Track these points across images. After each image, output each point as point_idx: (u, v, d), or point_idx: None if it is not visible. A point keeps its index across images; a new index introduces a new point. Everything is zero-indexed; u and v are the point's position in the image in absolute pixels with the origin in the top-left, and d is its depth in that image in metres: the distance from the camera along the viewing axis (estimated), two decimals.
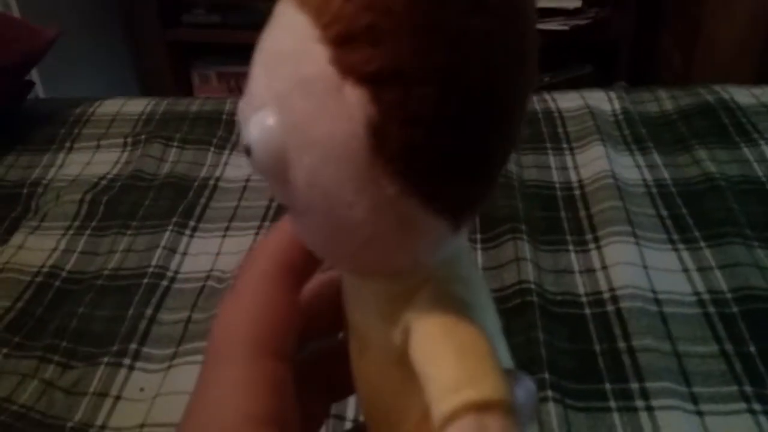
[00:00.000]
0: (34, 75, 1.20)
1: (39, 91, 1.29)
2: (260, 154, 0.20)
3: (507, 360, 0.24)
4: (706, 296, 0.62)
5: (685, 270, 0.66)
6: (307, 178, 0.20)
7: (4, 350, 0.60)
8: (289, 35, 0.20)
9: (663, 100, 0.94)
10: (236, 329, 0.25)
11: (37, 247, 0.72)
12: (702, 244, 0.68)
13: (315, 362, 0.28)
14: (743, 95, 0.91)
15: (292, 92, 0.20)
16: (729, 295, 0.62)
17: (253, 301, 0.25)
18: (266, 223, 0.75)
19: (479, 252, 0.69)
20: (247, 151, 0.21)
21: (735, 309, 0.60)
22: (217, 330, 0.25)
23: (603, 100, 0.94)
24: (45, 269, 0.70)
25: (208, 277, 0.68)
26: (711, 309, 0.61)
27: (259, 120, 0.20)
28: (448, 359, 0.20)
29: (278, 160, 0.20)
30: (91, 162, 0.87)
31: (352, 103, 0.18)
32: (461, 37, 0.19)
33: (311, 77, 0.19)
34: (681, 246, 0.68)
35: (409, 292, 0.23)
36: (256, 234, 0.73)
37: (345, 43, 0.18)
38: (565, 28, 1.50)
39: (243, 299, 0.26)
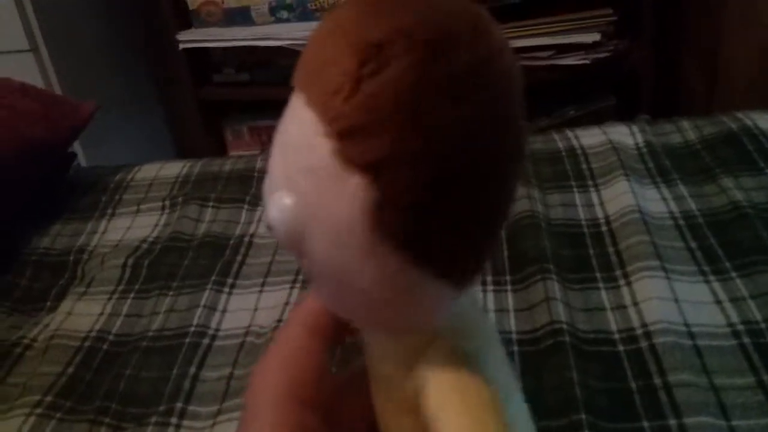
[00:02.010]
0: (76, 144, 1.25)
1: (81, 159, 1.35)
2: (280, 231, 0.23)
3: (520, 402, 0.26)
4: (740, 327, 0.62)
5: (718, 301, 0.65)
6: (320, 251, 0.23)
7: (58, 415, 0.63)
8: (298, 128, 0.23)
9: (686, 131, 0.94)
10: (272, 382, 0.28)
11: (84, 313, 0.76)
12: (733, 274, 0.68)
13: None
14: (766, 121, 0.91)
15: (301, 177, 0.22)
16: (763, 325, 0.62)
17: (287, 357, 0.28)
18: (300, 277, 0.77)
19: (509, 294, 0.70)
20: (269, 228, 0.24)
21: None
22: (255, 382, 0.28)
23: (625, 134, 0.95)
24: (93, 334, 0.73)
25: (247, 333, 0.71)
26: (746, 339, 0.61)
27: (277, 200, 0.23)
28: (456, 410, 0.23)
29: (295, 235, 0.23)
30: (132, 226, 0.91)
31: (354, 189, 0.21)
32: (446, 127, 0.21)
33: (317, 165, 0.22)
34: (712, 277, 0.68)
35: (422, 346, 0.25)
36: (291, 288, 0.76)
37: (346, 137, 0.21)
38: (586, 62, 1.51)
39: (278, 356, 0.29)
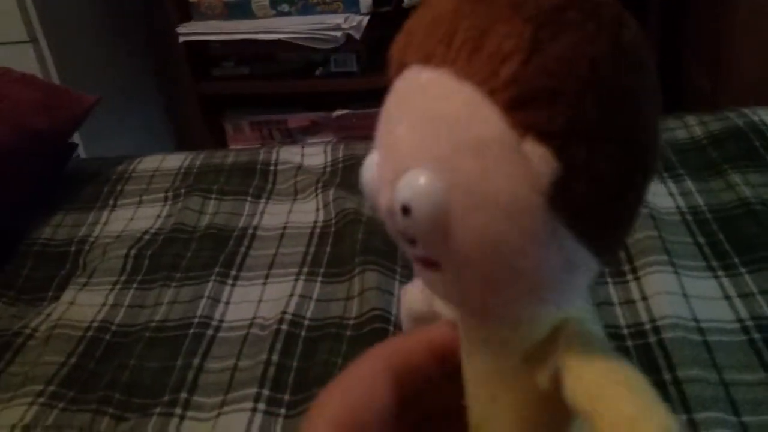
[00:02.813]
0: (76, 136, 1.24)
1: (81, 150, 1.34)
2: (422, 213, 0.21)
3: None
4: (749, 323, 0.62)
5: (727, 297, 0.65)
6: (477, 235, 0.21)
7: (60, 405, 0.62)
8: (448, 102, 0.21)
9: (692, 126, 0.94)
10: (328, 410, 0.26)
11: (86, 303, 0.75)
12: (742, 269, 0.68)
13: None
14: None
15: (458, 154, 0.21)
16: None
17: (352, 386, 0.27)
18: (304, 269, 0.77)
19: None
20: (405, 211, 0.21)
21: None
22: (314, 407, 0.27)
23: None
24: (95, 324, 0.72)
25: (251, 325, 0.70)
26: (755, 335, 0.61)
27: (413, 180, 0.21)
28: (616, 397, 0.21)
29: (440, 216, 0.21)
30: (134, 217, 0.90)
31: (534, 161, 0.20)
32: (635, 96, 0.21)
33: (485, 138, 0.20)
34: (720, 273, 0.68)
35: (552, 334, 0.24)
36: (295, 280, 0.75)
37: (522, 104, 0.20)
38: None
39: (345, 383, 0.27)
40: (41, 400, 0.63)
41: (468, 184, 0.21)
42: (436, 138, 0.21)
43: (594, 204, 0.21)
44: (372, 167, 0.23)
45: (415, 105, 0.22)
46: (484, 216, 0.21)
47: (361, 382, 0.26)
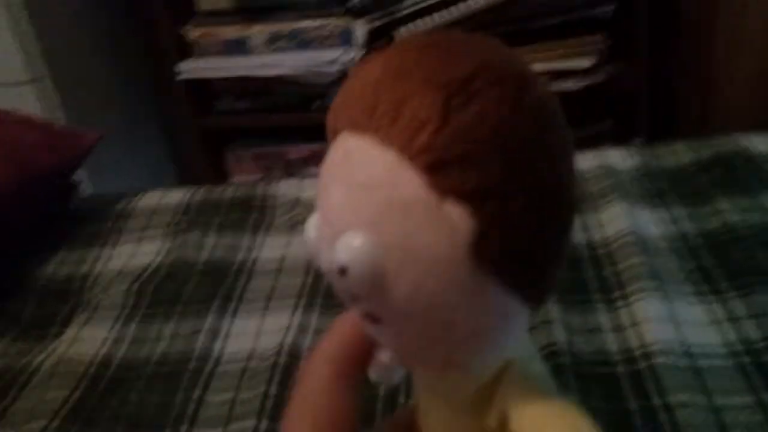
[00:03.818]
0: (82, 172, 1.27)
1: (86, 186, 1.36)
2: (357, 273, 0.22)
3: None
4: (738, 347, 0.63)
5: (716, 322, 0.66)
6: (409, 290, 0.22)
7: None
8: (372, 168, 0.23)
9: (681, 153, 0.96)
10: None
11: (90, 338, 0.76)
12: (730, 294, 0.69)
13: None
14: (762, 143, 0.92)
15: (386, 215, 0.22)
16: (762, 345, 0.62)
17: (313, 408, 0.28)
18: (302, 300, 0.78)
19: None
20: (342, 272, 0.23)
21: None
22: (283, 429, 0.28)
23: (621, 157, 0.96)
24: (98, 359, 0.73)
25: (250, 357, 0.71)
26: (745, 359, 0.62)
27: (348, 242, 0.23)
28: None
29: (375, 275, 0.22)
30: (135, 253, 0.92)
31: (454, 218, 0.22)
32: (539, 151, 0.23)
33: (409, 200, 0.22)
34: (709, 298, 0.69)
35: (495, 377, 0.25)
36: (294, 311, 0.76)
37: (438, 168, 0.22)
38: (581, 86, 1.54)
39: (306, 406, 0.28)
40: None
41: (397, 243, 0.22)
42: (365, 202, 0.23)
43: (513, 254, 0.22)
44: (314, 228, 0.25)
45: (344, 170, 0.24)
46: (414, 273, 0.22)
47: (320, 403, 0.28)
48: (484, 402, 0.25)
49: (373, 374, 0.28)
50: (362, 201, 0.23)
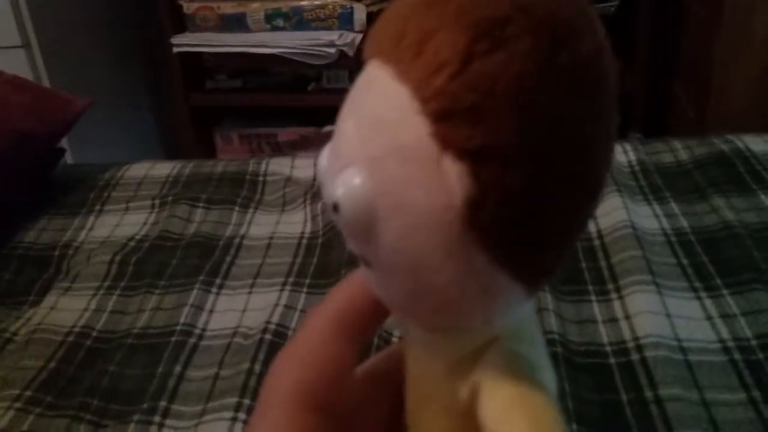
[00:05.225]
0: (64, 142, 1.24)
1: (68, 156, 1.33)
2: (348, 210, 0.21)
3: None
4: (731, 344, 0.62)
5: (709, 318, 0.66)
6: (395, 240, 0.21)
7: (37, 410, 0.62)
8: (387, 103, 0.21)
9: (678, 151, 0.95)
10: (286, 380, 0.26)
11: (68, 308, 0.74)
12: (724, 291, 0.68)
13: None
14: (757, 143, 0.92)
15: (387, 157, 0.20)
16: (754, 342, 0.62)
17: (307, 354, 0.26)
18: (290, 279, 0.77)
19: None
20: (335, 207, 0.21)
21: (761, 356, 0.60)
22: (270, 378, 0.26)
23: (618, 152, 0.95)
24: (76, 329, 0.71)
25: (234, 334, 0.70)
26: (737, 356, 0.61)
27: (348, 178, 0.21)
28: (520, 424, 0.21)
29: (366, 218, 0.21)
30: (120, 224, 0.90)
31: (451, 177, 0.19)
32: (559, 118, 0.20)
33: (410, 146, 0.20)
34: (703, 294, 0.69)
35: (478, 348, 0.23)
36: (281, 290, 0.75)
37: (446, 118, 0.19)
38: None
39: (298, 351, 0.26)
40: (18, 404, 0.62)
41: (392, 189, 0.20)
42: (371, 137, 0.21)
43: (507, 230, 0.20)
44: (326, 158, 0.23)
45: (362, 100, 0.22)
46: (402, 223, 0.20)
47: (315, 350, 0.26)
48: (461, 372, 0.24)
49: (388, 321, 0.27)
50: (369, 137, 0.21)
